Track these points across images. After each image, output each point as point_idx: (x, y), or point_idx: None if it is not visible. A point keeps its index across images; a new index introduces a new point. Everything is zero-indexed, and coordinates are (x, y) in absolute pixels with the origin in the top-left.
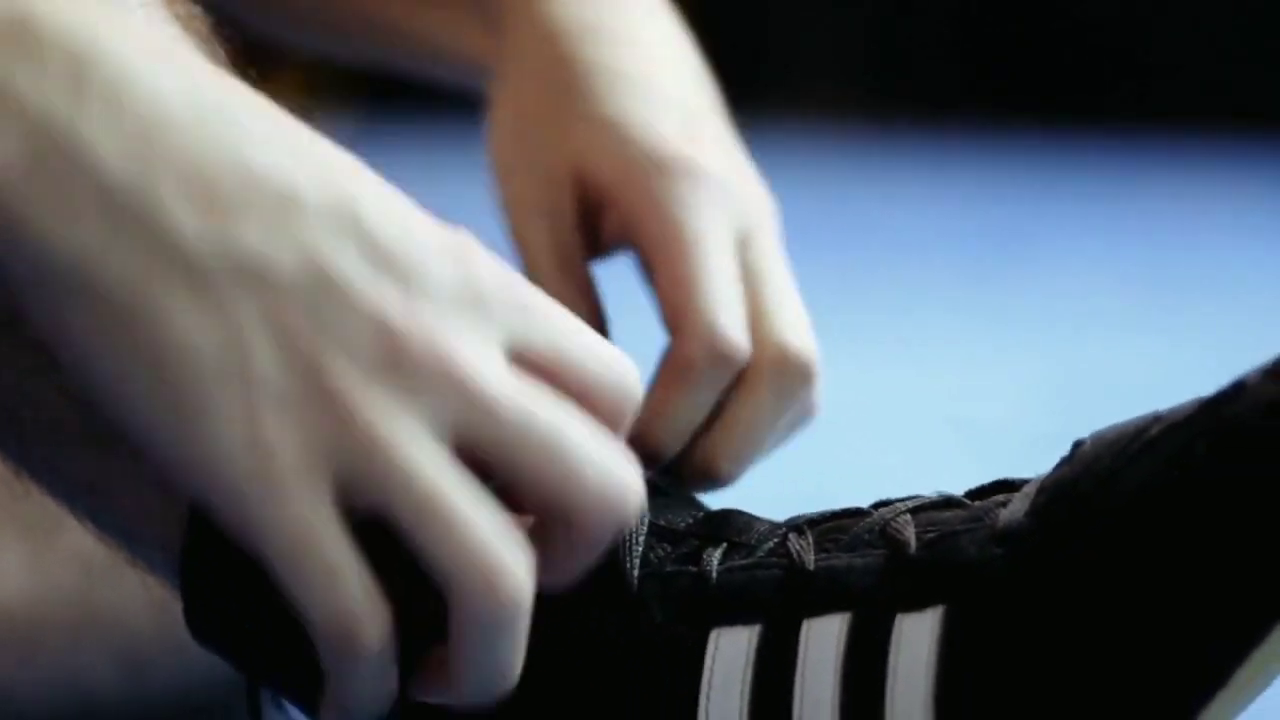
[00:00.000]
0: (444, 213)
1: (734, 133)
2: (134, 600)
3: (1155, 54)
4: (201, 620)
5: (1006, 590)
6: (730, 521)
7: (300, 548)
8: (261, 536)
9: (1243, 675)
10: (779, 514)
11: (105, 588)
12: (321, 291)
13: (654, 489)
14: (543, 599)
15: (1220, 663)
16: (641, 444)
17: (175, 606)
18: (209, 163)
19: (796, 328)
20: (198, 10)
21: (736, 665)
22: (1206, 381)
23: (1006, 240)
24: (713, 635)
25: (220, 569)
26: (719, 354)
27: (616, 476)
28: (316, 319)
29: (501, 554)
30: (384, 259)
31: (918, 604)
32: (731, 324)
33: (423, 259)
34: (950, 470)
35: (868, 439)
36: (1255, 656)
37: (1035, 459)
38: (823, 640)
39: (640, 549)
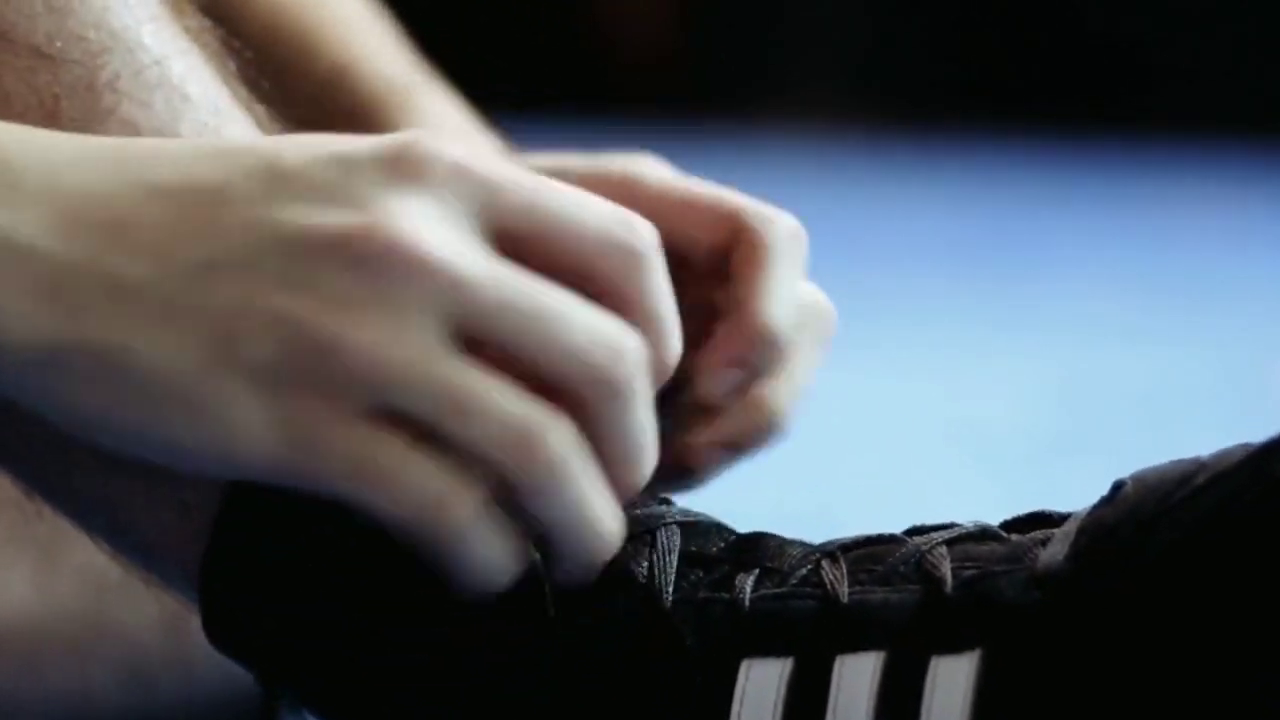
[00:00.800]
0: None
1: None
2: (142, 617)
3: (1158, 60)
4: (221, 628)
5: (1045, 636)
6: (762, 546)
7: (354, 472)
8: (321, 480)
9: None
10: (785, 526)
11: (113, 604)
12: (274, 255)
13: (684, 523)
14: (573, 623)
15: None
16: (755, 329)
17: (184, 624)
18: (127, 208)
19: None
20: (208, 23)
21: (767, 699)
22: (1209, 388)
23: (1008, 246)
24: (743, 666)
25: (241, 575)
26: (795, 231)
27: (604, 335)
28: (282, 279)
29: (530, 417)
30: (322, 194)
31: (954, 647)
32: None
33: (360, 175)
34: (954, 478)
35: (869, 446)
36: None
37: (1039, 466)
38: (856, 679)
39: (673, 575)
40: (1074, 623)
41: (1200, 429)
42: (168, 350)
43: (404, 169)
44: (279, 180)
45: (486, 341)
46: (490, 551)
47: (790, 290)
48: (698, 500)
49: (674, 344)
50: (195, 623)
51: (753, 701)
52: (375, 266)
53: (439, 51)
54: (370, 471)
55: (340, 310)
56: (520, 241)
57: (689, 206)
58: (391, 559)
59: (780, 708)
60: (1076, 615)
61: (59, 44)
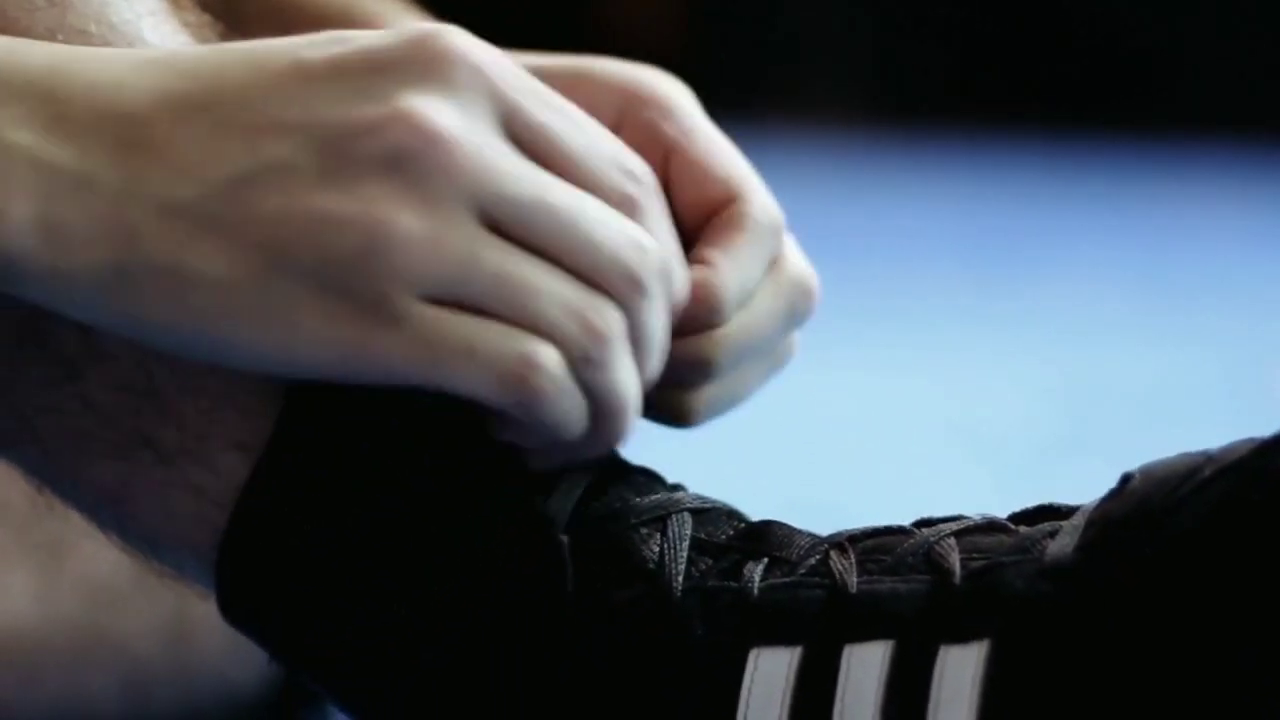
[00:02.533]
0: None
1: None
2: (141, 626)
3: (1159, 60)
4: (238, 607)
5: (1053, 627)
6: (770, 535)
7: (427, 353)
8: (394, 368)
9: None
10: (789, 522)
11: (112, 613)
12: (307, 156)
13: (695, 509)
14: (580, 614)
15: (1272, 713)
16: (704, 301)
17: (184, 635)
18: (166, 129)
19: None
20: (208, 18)
21: (775, 687)
22: (1211, 387)
23: (1012, 246)
24: (752, 654)
25: (262, 555)
26: (777, 222)
27: (631, 235)
28: (318, 179)
29: (584, 293)
30: (348, 90)
31: (962, 637)
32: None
33: (385, 71)
34: (954, 478)
35: (872, 444)
36: None
37: (1039, 466)
38: (864, 668)
39: (683, 563)
40: (1082, 614)
41: (1201, 429)
42: (219, 264)
43: (428, 65)
44: (304, 80)
45: (515, 233)
46: (571, 404)
47: (749, 271)
48: (704, 491)
49: (680, 276)
50: (195, 633)
51: (761, 690)
52: (409, 157)
53: None
54: (444, 349)
55: (379, 205)
56: (536, 151)
57: (700, 163)
58: (412, 540)
59: (789, 697)
60: (1085, 607)
61: (60, 37)
